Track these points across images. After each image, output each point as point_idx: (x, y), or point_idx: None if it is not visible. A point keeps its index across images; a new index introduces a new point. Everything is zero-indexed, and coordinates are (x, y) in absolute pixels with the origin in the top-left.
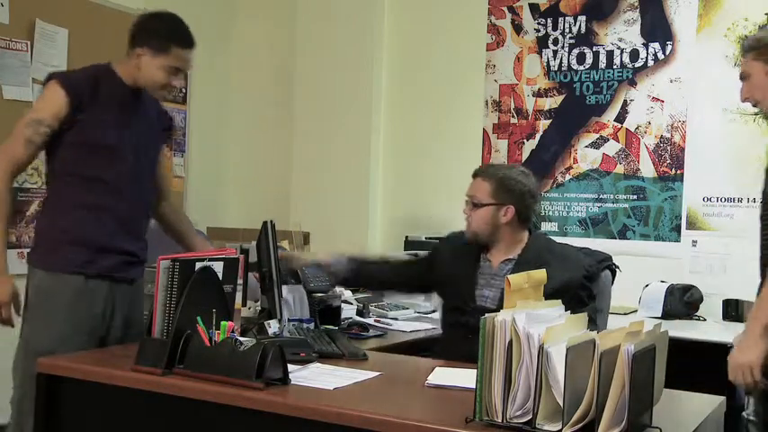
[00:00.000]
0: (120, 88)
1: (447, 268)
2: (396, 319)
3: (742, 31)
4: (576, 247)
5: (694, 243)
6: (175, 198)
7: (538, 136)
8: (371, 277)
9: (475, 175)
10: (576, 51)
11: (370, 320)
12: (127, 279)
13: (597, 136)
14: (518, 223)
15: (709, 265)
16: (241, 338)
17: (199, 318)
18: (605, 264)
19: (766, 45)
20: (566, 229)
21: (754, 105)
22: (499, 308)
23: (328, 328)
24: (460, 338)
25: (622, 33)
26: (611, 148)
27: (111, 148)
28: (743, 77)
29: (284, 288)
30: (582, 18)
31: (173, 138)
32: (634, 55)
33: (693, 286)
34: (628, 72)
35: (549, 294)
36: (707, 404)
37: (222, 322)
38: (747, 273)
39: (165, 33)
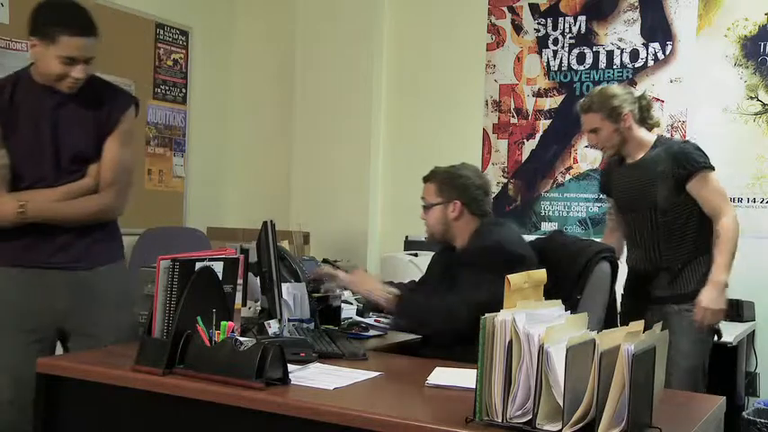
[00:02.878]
0: (34, 90)
1: (431, 279)
2: None
3: (742, 32)
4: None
5: None
6: (175, 198)
7: (538, 136)
8: None
9: (424, 180)
10: (575, 51)
11: (370, 320)
12: (63, 267)
13: None
14: (469, 216)
15: None
16: (241, 338)
17: (199, 318)
18: (602, 255)
19: (614, 108)
20: (566, 228)
21: (601, 150)
22: None
23: (328, 328)
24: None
25: (622, 33)
26: None
27: (26, 149)
28: (592, 131)
29: (284, 288)
30: (582, 18)
31: (118, 121)
32: (634, 55)
33: None
34: (628, 72)
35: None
36: (707, 404)
37: (222, 322)
38: (746, 273)
39: (53, 20)
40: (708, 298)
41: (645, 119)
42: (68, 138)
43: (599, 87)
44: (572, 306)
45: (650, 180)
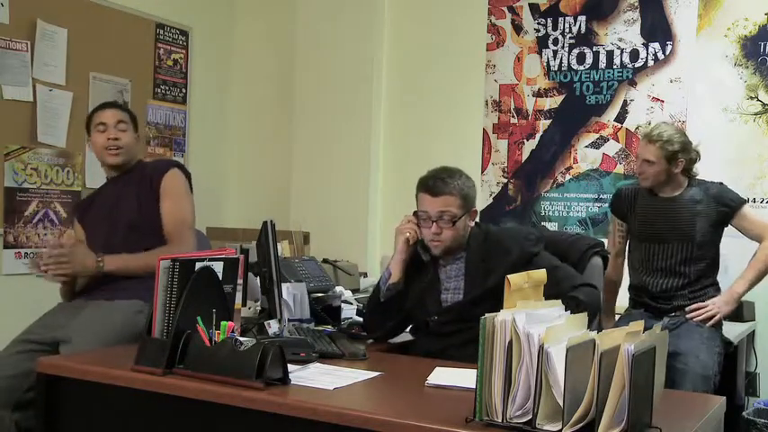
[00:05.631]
0: (105, 184)
1: (413, 290)
2: None
3: (742, 32)
4: (514, 227)
5: None
6: None
7: (538, 136)
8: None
9: (438, 193)
10: (576, 51)
11: None
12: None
13: (597, 136)
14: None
15: None
16: (241, 338)
17: (199, 318)
18: (594, 250)
19: (674, 153)
20: (566, 229)
21: (642, 179)
22: (465, 298)
23: (328, 329)
24: (431, 339)
25: (622, 33)
26: (611, 147)
27: (90, 229)
28: (647, 161)
29: (284, 288)
30: (582, 18)
31: (155, 185)
32: (634, 55)
33: None
34: (628, 72)
35: (496, 285)
36: (707, 404)
37: (222, 322)
38: None
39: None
40: (719, 299)
41: (689, 169)
42: (118, 212)
43: (674, 128)
44: None
45: (690, 214)
